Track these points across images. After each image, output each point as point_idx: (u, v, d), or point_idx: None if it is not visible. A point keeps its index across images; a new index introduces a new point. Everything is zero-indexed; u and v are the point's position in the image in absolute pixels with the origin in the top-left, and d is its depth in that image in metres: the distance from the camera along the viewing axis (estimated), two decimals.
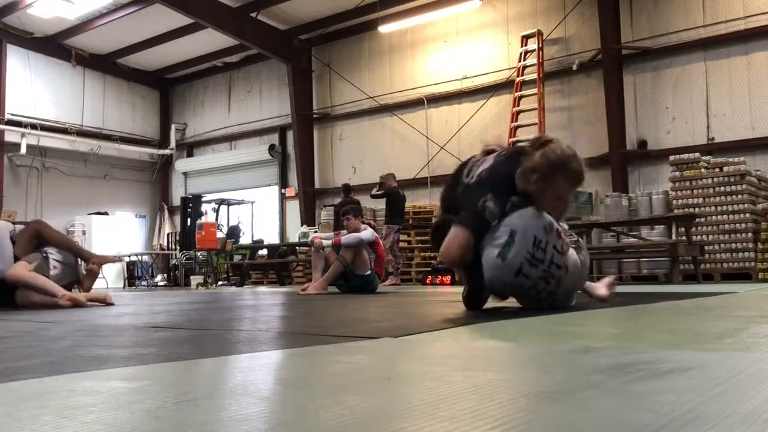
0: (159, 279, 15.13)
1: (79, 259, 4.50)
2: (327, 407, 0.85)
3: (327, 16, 14.38)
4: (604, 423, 0.75)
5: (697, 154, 9.30)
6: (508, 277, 2.62)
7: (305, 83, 15.41)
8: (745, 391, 0.92)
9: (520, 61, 12.13)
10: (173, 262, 15.28)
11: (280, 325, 2.59)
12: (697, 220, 8.59)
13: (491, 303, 2.98)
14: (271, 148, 16.16)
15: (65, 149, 16.30)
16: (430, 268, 10.87)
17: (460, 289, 3.30)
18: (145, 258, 15.93)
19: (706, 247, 8.55)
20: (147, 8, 13.67)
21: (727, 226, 8.82)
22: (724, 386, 0.95)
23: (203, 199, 15.50)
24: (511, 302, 2.93)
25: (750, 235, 8.68)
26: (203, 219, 14.50)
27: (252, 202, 16.09)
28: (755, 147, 10.16)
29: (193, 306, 4.22)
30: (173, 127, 18.40)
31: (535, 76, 11.82)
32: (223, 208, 15.86)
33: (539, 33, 12.00)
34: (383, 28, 13.53)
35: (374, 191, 11.04)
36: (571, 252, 2.79)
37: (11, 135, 15.21)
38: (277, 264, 12.93)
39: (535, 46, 11.95)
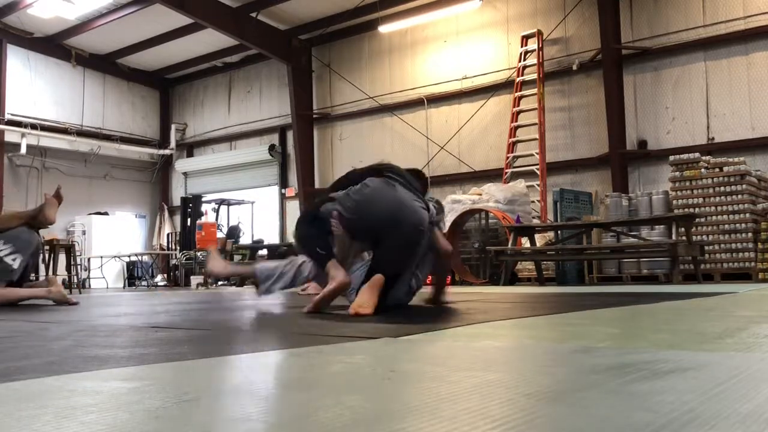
0: (159, 279, 15.12)
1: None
2: (327, 407, 0.85)
3: (327, 16, 14.37)
4: (604, 423, 0.75)
5: (697, 154, 9.29)
6: None
7: (305, 83, 15.41)
8: (745, 391, 0.92)
9: (520, 61, 12.12)
10: (173, 262, 15.27)
11: (280, 325, 2.59)
12: (697, 220, 8.58)
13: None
14: (271, 148, 16.16)
15: (65, 149, 16.29)
16: None
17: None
18: (145, 258, 15.91)
19: (706, 247, 8.53)
20: (147, 8, 13.66)
21: (727, 226, 8.81)
22: (724, 386, 0.95)
23: (203, 199, 15.48)
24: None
25: (750, 235, 8.67)
26: (203, 219, 14.51)
27: (252, 202, 16.08)
28: (755, 147, 10.16)
29: (193, 306, 4.23)
30: (173, 127, 18.38)
31: (535, 76, 11.82)
32: (223, 208, 15.85)
33: (539, 33, 11.99)
34: (383, 28, 13.53)
35: None
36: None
37: (11, 135, 15.19)
38: None
39: (535, 46, 11.94)
